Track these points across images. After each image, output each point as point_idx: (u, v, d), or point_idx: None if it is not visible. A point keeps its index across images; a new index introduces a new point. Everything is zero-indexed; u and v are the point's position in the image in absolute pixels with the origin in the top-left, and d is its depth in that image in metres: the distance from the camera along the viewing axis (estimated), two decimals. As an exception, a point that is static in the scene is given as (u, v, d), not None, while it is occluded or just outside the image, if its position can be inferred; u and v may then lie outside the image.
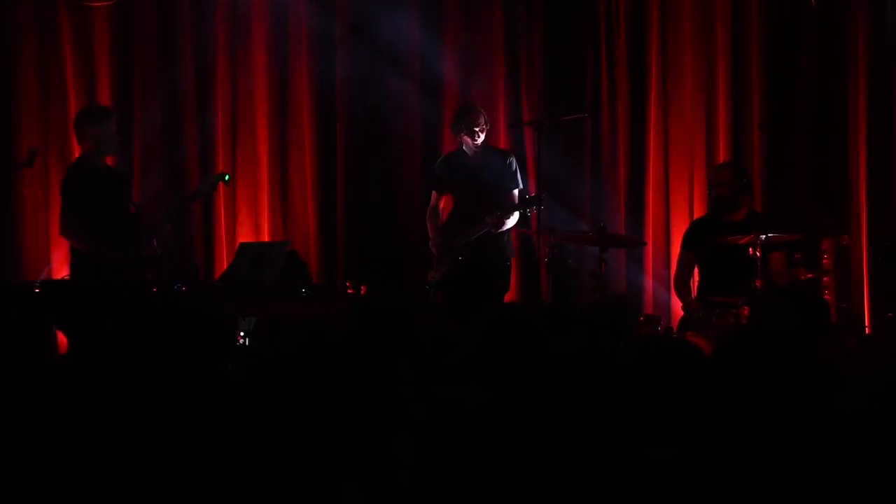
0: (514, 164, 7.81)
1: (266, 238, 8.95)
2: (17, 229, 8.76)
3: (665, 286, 8.74)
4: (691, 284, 7.75)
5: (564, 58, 9.01)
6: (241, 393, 3.18)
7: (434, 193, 8.00)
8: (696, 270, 7.85)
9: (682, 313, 7.70)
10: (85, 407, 3.16)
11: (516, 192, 7.79)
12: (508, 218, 7.62)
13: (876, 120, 8.49)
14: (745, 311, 6.83)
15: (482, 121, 7.74)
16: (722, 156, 8.69)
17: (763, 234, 7.10)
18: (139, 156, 8.92)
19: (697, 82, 8.85)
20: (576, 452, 2.94)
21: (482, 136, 7.74)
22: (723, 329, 6.72)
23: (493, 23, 9.04)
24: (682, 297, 7.65)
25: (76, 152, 8.78)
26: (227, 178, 7.61)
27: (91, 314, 4.58)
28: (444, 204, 8.00)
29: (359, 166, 9.11)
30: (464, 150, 7.79)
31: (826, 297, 8.11)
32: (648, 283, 8.83)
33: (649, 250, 8.87)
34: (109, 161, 7.55)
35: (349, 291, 7.64)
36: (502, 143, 8.73)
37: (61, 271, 8.37)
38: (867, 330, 8.20)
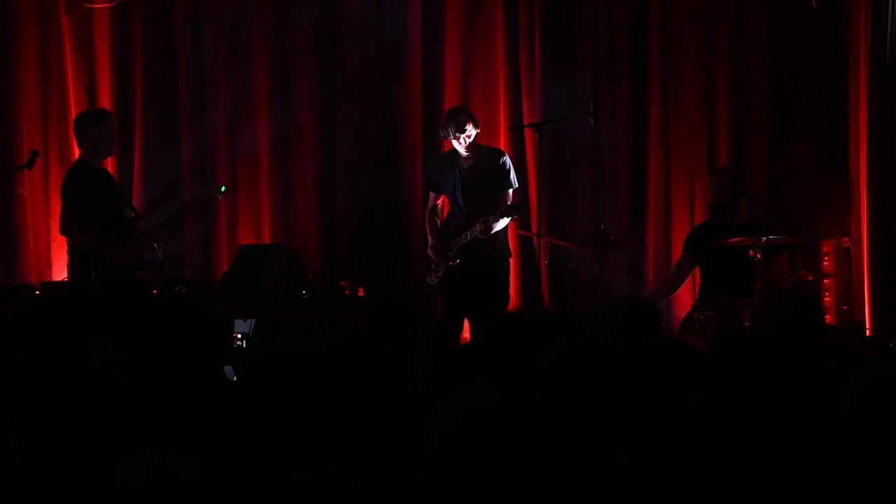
0: (508, 164, 7.80)
1: (266, 240, 8.95)
2: (18, 232, 8.77)
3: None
4: (674, 285, 7.82)
5: (565, 60, 9.00)
6: (242, 394, 3.18)
7: (431, 194, 8.01)
8: (695, 273, 7.87)
9: (682, 316, 7.70)
10: (81, 407, 3.16)
11: (510, 191, 7.78)
12: (497, 222, 7.59)
13: (877, 122, 8.48)
14: (747, 313, 6.83)
15: (469, 126, 7.69)
16: (723, 158, 8.69)
17: (763, 237, 7.10)
18: (139, 158, 8.93)
19: (698, 84, 8.85)
20: (574, 452, 2.94)
21: (468, 141, 7.68)
22: (722, 331, 6.72)
23: (494, 24, 9.03)
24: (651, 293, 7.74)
25: (76, 154, 8.81)
26: (223, 189, 7.68)
27: (93, 315, 4.59)
28: (441, 203, 8.00)
29: (359, 168, 9.10)
30: (457, 151, 7.79)
31: (827, 299, 8.12)
32: (649, 285, 8.82)
33: (650, 253, 8.87)
34: (107, 165, 7.60)
35: (346, 292, 7.64)
36: (503, 144, 8.72)
37: (62, 273, 8.37)
38: (868, 332, 8.20)
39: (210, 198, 7.69)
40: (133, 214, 7.53)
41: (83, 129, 7.43)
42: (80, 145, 7.55)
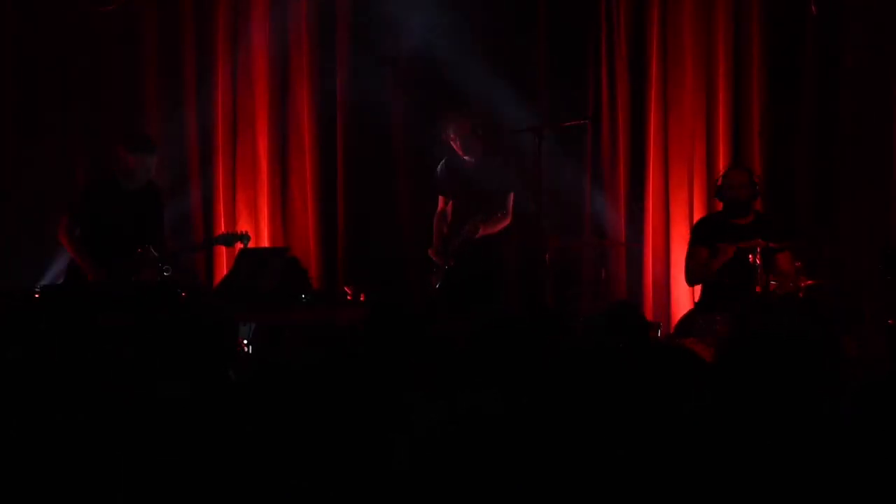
0: (511, 169, 7.80)
1: (266, 244, 8.95)
2: (16, 236, 8.77)
3: (664, 291, 8.74)
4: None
5: (565, 63, 9.01)
6: (245, 398, 3.18)
7: (441, 198, 8.00)
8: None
9: (678, 319, 7.69)
10: (80, 412, 3.17)
11: (511, 196, 7.77)
12: (488, 224, 7.58)
13: (876, 127, 8.49)
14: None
15: (466, 127, 7.72)
16: (722, 162, 8.68)
17: (764, 241, 7.09)
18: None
19: (698, 88, 8.85)
20: (574, 458, 2.94)
21: (463, 142, 7.71)
22: (724, 336, 6.70)
23: (494, 28, 9.04)
24: (704, 277, 7.49)
25: (77, 158, 8.83)
26: (247, 238, 7.67)
27: (88, 319, 4.60)
28: (451, 207, 7.98)
29: (359, 171, 9.11)
30: (462, 155, 7.80)
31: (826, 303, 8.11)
32: (648, 288, 8.83)
33: (649, 256, 8.86)
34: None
35: (349, 298, 7.64)
36: (502, 148, 8.71)
37: (61, 278, 8.38)
38: (867, 336, 8.18)
39: (231, 242, 7.73)
40: (148, 238, 7.47)
41: (118, 151, 7.43)
42: (114, 160, 7.54)
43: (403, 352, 4.25)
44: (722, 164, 8.62)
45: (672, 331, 7.93)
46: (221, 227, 9.02)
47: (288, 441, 2.85)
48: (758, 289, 7.10)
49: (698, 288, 7.82)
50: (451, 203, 7.94)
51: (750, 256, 7.13)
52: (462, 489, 2.63)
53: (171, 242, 7.75)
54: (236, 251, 8.58)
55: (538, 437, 2.83)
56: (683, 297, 8.47)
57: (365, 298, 7.59)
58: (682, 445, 2.97)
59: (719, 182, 7.67)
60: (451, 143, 7.77)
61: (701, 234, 7.61)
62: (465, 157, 7.76)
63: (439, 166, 8.10)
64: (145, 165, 7.37)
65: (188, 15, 9.04)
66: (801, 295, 7.18)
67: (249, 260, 7.67)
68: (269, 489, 2.79)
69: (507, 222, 7.72)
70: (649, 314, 8.74)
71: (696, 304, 7.64)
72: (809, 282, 7.47)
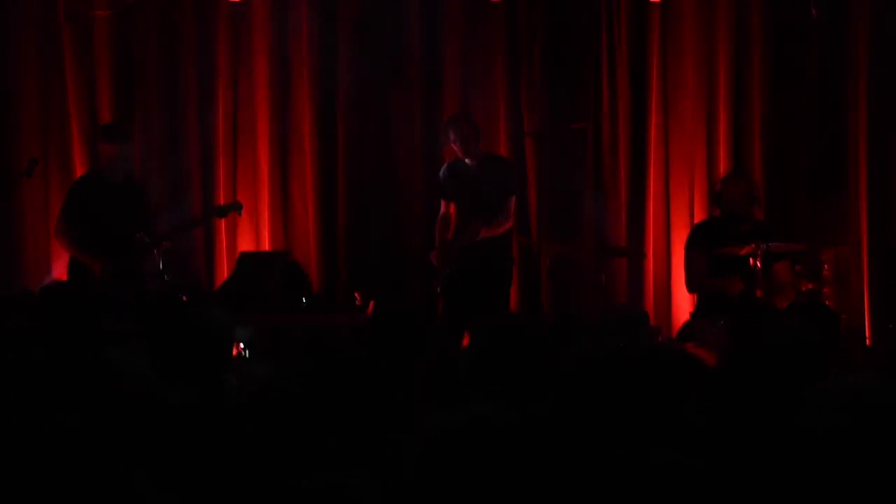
0: (513, 172, 7.79)
1: (267, 248, 8.94)
2: (18, 239, 8.76)
3: (665, 296, 8.72)
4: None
5: (565, 68, 9.00)
6: (245, 401, 3.18)
7: (443, 201, 7.96)
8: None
9: (681, 324, 7.68)
10: (77, 414, 3.16)
11: (513, 199, 7.75)
12: (490, 227, 7.55)
13: (877, 131, 8.49)
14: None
15: (465, 131, 7.68)
16: (723, 166, 8.68)
17: (763, 244, 7.08)
18: (139, 166, 8.91)
19: (698, 93, 8.84)
20: (576, 462, 2.93)
21: (464, 144, 7.69)
22: (725, 341, 6.70)
23: (494, 33, 9.04)
24: (709, 289, 7.43)
25: (77, 162, 8.82)
26: (240, 208, 7.62)
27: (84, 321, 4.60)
28: (453, 211, 7.96)
29: (360, 175, 9.09)
30: (463, 158, 7.77)
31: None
32: (649, 293, 8.82)
33: (650, 261, 8.86)
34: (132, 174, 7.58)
35: (358, 303, 7.57)
36: (502, 152, 8.71)
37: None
38: (868, 341, 8.19)
39: (225, 214, 7.71)
40: (144, 225, 7.45)
41: (98, 143, 7.46)
42: (98, 154, 7.58)
43: (405, 356, 4.24)
44: (723, 169, 8.62)
45: (673, 335, 7.93)
46: (222, 231, 8.99)
47: (287, 444, 2.85)
48: (758, 293, 7.09)
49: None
50: (453, 206, 7.91)
51: (751, 260, 7.13)
52: (465, 495, 2.62)
53: (163, 229, 7.74)
54: (237, 252, 8.59)
55: (541, 442, 2.82)
56: (684, 302, 8.47)
57: (372, 305, 7.55)
58: (682, 448, 2.96)
59: (718, 187, 7.66)
60: (453, 145, 7.74)
61: (698, 240, 7.58)
62: (467, 160, 7.74)
63: (443, 170, 8.08)
64: (124, 154, 7.38)
65: (186, 21, 9.02)
66: (801, 300, 7.18)
67: (250, 263, 7.66)
68: (269, 491, 2.78)
69: (508, 225, 7.70)
70: (650, 319, 8.73)
71: (697, 309, 7.63)
72: (810, 286, 7.48)
